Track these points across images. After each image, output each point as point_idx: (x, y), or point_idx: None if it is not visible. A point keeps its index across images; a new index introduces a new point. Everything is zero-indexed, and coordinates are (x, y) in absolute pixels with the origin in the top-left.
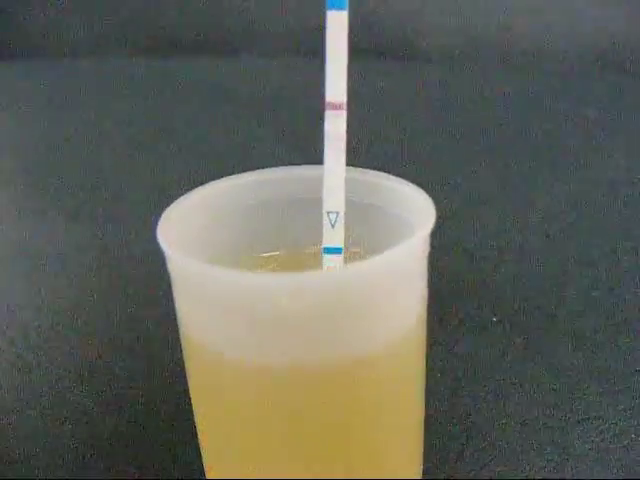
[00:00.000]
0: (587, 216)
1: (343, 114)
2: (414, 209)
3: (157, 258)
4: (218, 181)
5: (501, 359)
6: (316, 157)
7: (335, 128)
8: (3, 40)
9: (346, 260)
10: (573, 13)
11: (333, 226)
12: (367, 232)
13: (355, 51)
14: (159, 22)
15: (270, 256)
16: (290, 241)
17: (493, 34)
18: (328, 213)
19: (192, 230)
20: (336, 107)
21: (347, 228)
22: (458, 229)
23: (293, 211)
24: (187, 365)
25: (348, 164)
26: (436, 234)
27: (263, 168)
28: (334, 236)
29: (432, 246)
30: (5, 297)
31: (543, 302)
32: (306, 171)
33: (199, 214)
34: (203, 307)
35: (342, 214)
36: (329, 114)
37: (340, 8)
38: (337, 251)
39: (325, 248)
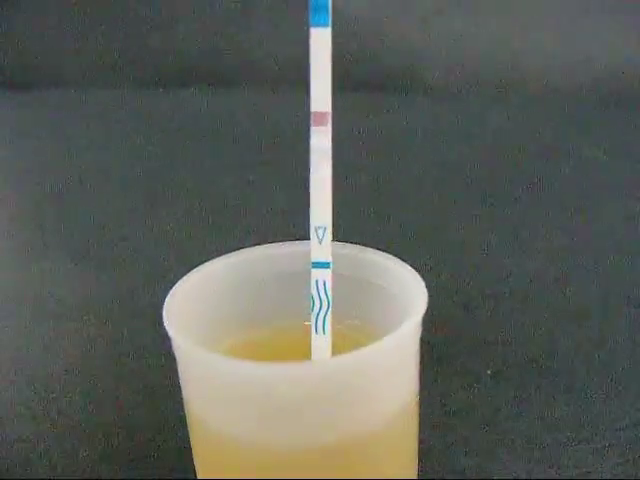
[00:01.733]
0: (582, 264)
1: (328, 129)
2: (407, 288)
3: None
4: (217, 259)
5: (494, 414)
6: None
7: (321, 144)
8: None
9: (343, 332)
10: (576, 49)
11: (321, 241)
12: (362, 305)
13: (353, 84)
14: (153, 54)
15: (271, 329)
16: (285, 315)
17: (494, 69)
18: (316, 228)
19: (196, 308)
20: (321, 119)
21: (342, 300)
22: (453, 277)
23: (291, 285)
24: (190, 431)
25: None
26: (431, 284)
27: (262, 209)
28: (322, 251)
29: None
30: (12, 344)
31: (537, 355)
32: (300, 247)
33: (202, 293)
34: (204, 388)
35: (329, 229)
36: (315, 129)
37: (323, 25)
38: (325, 265)
39: (314, 263)
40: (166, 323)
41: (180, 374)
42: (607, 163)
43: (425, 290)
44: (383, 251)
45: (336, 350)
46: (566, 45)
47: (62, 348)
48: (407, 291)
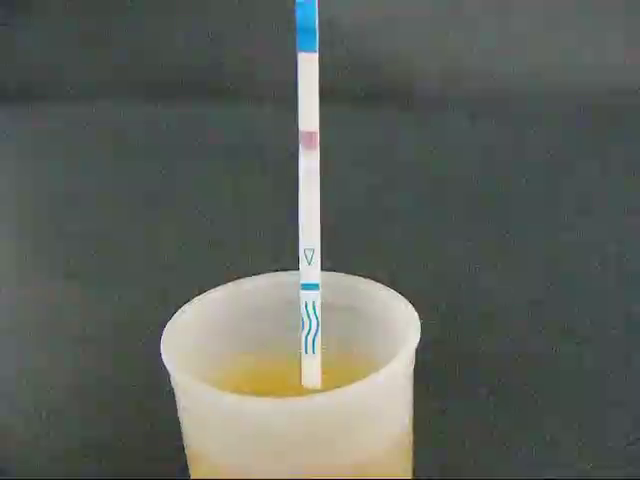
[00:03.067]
0: (574, 280)
1: (316, 150)
2: (399, 316)
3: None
4: (216, 290)
5: (490, 433)
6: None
7: (309, 165)
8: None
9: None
10: (573, 64)
11: (309, 263)
12: (354, 332)
13: (347, 97)
14: (153, 66)
15: (270, 356)
16: (282, 342)
17: (490, 83)
18: (304, 250)
19: (194, 339)
20: (309, 140)
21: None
22: (449, 295)
23: (287, 313)
24: (188, 461)
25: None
26: (427, 302)
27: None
28: (311, 272)
29: (422, 315)
30: (8, 364)
31: (532, 376)
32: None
33: (199, 323)
34: (203, 422)
35: (318, 250)
36: (303, 151)
37: (311, 50)
38: (314, 287)
39: (303, 284)
40: (164, 358)
41: (178, 406)
42: (602, 178)
43: (418, 320)
44: (376, 272)
45: (330, 379)
46: (564, 58)
47: (59, 368)
48: (399, 319)
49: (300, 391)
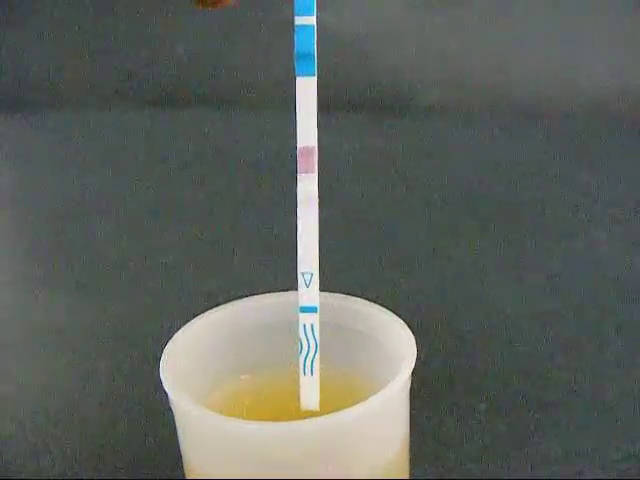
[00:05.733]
0: (576, 294)
1: (314, 174)
2: (396, 340)
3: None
4: (215, 310)
5: (488, 449)
6: None
7: (307, 189)
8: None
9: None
10: (574, 71)
11: (308, 286)
12: (350, 352)
13: (345, 105)
14: (151, 74)
15: (269, 376)
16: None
17: (490, 91)
18: (303, 274)
19: (193, 361)
20: (307, 165)
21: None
22: (446, 309)
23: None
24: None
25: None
26: (424, 315)
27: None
28: (309, 295)
29: (418, 329)
30: (11, 376)
31: (529, 389)
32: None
33: (199, 345)
34: (202, 444)
35: (316, 274)
36: (301, 176)
37: (309, 74)
38: (312, 310)
39: (301, 307)
40: (164, 381)
41: (177, 427)
42: (605, 188)
43: (414, 344)
44: (376, 288)
45: (328, 398)
46: (564, 67)
47: (60, 380)
48: (395, 341)
49: (299, 412)
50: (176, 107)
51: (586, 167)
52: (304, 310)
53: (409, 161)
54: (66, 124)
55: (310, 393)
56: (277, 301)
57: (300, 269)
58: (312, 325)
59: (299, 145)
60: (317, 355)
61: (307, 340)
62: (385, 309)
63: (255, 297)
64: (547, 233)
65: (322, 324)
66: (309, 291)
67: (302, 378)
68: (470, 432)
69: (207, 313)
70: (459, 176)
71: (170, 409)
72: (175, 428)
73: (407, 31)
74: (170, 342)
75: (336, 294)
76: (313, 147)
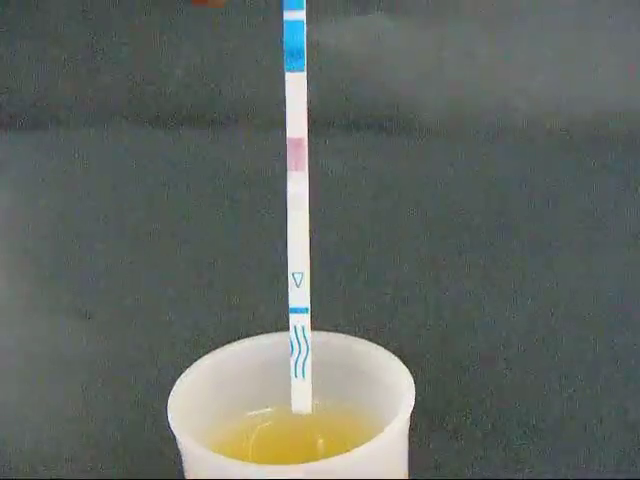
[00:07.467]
0: (574, 322)
1: (305, 174)
2: (395, 379)
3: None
4: (219, 350)
5: (485, 476)
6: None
7: (297, 189)
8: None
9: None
10: (573, 90)
11: (298, 286)
12: (349, 389)
13: (347, 126)
14: (150, 95)
15: (273, 415)
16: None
17: (491, 112)
18: (293, 274)
19: (199, 401)
20: (297, 163)
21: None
22: (444, 335)
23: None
24: None
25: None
26: (422, 342)
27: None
28: (300, 296)
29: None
30: (13, 401)
31: (525, 415)
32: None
33: (205, 384)
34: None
35: (307, 274)
36: (291, 174)
37: (299, 70)
38: (303, 311)
39: (291, 308)
40: (171, 421)
41: (184, 465)
42: (605, 211)
43: (412, 384)
44: (370, 318)
45: (330, 436)
46: (564, 89)
47: (63, 407)
48: (394, 380)
49: (307, 450)
50: (174, 127)
51: (587, 190)
52: (294, 311)
53: (408, 181)
54: (62, 143)
55: (302, 396)
56: (282, 340)
57: (290, 269)
58: (303, 327)
59: (288, 135)
60: (309, 357)
61: (298, 342)
62: (383, 348)
63: (260, 336)
64: (548, 259)
65: (320, 361)
66: (299, 291)
67: (293, 381)
68: (468, 458)
69: (213, 353)
70: (458, 196)
71: (173, 441)
72: (178, 459)
73: (406, 51)
74: (178, 381)
75: (333, 333)
76: (302, 138)
